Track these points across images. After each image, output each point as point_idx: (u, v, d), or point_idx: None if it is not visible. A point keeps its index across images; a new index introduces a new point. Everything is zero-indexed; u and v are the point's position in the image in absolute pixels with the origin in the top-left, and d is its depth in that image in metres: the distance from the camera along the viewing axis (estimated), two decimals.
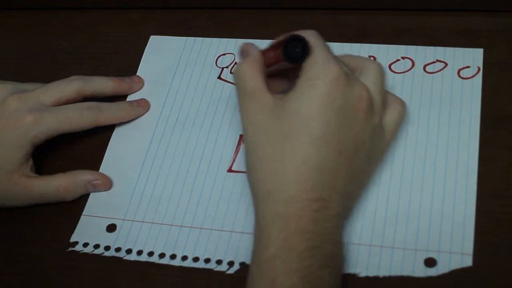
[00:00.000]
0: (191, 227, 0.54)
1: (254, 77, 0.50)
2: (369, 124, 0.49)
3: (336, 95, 0.48)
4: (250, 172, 0.50)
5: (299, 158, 0.47)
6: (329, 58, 0.49)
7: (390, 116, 0.52)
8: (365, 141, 0.49)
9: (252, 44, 0.53)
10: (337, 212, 0.48)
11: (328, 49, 0.50)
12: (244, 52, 0.53)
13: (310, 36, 0.50)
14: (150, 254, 0.54)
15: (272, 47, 0.52)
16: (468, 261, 0.49)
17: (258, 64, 0.51)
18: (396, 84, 0.58)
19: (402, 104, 0.53)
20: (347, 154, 0.48)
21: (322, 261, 0.46)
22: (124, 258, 0.54)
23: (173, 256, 0.53)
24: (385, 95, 0.52)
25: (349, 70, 0.50)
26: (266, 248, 0.46)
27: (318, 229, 0.46)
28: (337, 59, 0.49)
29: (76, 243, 0.55)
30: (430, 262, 0.49)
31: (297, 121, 0.48)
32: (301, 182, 0.47)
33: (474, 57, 0.59)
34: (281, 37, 0.52)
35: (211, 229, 0.54)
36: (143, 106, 0.62)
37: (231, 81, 0.62)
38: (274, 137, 0.48)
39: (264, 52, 0.52)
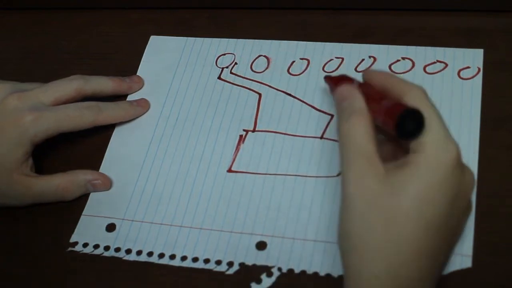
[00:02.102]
0: (191, 227, 0.54)
1: (366, 137, 0.45)
2: (469, 211, 0.47)
3: (455, 181, 0.44)
4: (351, 245, 0.44)
5: (415, 243, 0.43)
6: (447, 134, 0.44)
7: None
8: (461, 226, 0.47)
9: (354, 91, 0.47)
10: None
11: (443, 121, 0.45)
12: (344, 99, 0.47)
13: (423, 105, 0.45)
14: (150, 254, 0.54)
15: (378, 111, 0.45)
16: (467, 262, 0.49)
17: (370, 122, 0.45)
18: None
19: None
20: (449, 241, 0.46)
21: None
22: (124, 258, 0.54)
23: (172, 256, 0.53)
24: None
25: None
26: None
27: None
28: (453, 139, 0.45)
29: (76, 243, 0.55)
30: None
31: (416, 204, 0.43)
32: (414, 269, 0.43)
33: (474, 57, 0.58)
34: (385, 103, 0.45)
35: (210, 229, 0.54)
36: (143, 106, 0.62)
37: (231, 81, 0.62)
38: (387, 214, 0.43)
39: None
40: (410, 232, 0.43)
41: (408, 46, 0.60)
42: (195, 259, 0.53)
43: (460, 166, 0.44)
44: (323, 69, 0.61)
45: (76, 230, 0.56)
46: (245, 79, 0.62)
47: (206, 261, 0.53)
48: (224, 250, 0.53)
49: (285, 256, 0.52)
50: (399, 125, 0.43)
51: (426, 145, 0.44)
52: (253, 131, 0.59)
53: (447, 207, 0.44)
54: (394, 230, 0.43)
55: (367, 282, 0.43)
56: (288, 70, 0.62)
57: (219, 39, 0.65)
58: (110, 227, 0.56)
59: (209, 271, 0.52)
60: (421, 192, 0.43)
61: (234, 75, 0.62)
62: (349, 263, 0.44)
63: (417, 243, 0.43)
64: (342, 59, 0.61)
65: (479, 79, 0.57)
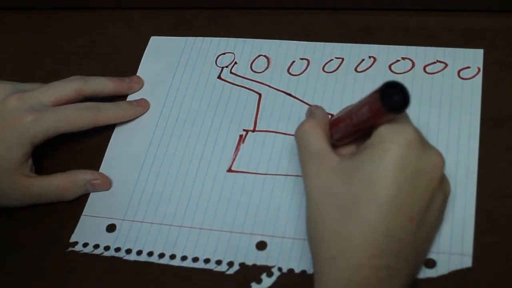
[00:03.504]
0: (191, 227, 0.54)
1: (318, 138, 0.48)
2: (442, 192, 0.47)
3: (410, 160, 0.45)
4: (313, 236, 0.47)
5: (367, 223, 0.44)
6: (405, 120, 0.46)
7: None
8: (436, 209, 0.47)
9: (319, 106, 0.52)
10: (404, 282, 0.46)
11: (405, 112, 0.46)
12: (310, 113, 0.51)
13: None
14: (150, 254, 0.54)
15: (361, 104, 0.47)
16: (467, 262, 0.49)
17: (323, 125, 0.49)
18: None
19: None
20: (417, 222, 0.45)
21: None
22: (124, 258, 0.54)
23: (172, 256, 0.53)
24: None
25: (423, 136, 0.47)
26: None
27: None
28: (412, 123, 0.47)
29: (76, 243, 0.55)
30: (429, 263, 0.49)
31: (367, 186, 0.45)
32: (368, 249, 0.44)
33: (474, 57, 0.58)
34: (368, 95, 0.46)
35: (210, 229, 0.54)
36: (143, 106, 0.62)
37: (231, 80, 0.62)
38: (340, 201, 0.46)
39: (350, 112, 0.48)
40: (362, 214, 0.45)
41: (408, 46, 0.60)
42: (195, 259, 0.53)
43: (419, 147, 0.45)
44: (323, 69, 0.61)
45: (76, 230, 0.56)
46: (245, 79, 0.62)
47: (206, 261, 0.53)
48: (224, 250, 0.53)
49: (285, 256, 0.52)
50: (383, 96, 0.44)
51: (380, 129, 0.46)
52: (253, 131, 0.59)
53: (404, 186, 0.45)
54: (348, 214, 0.45)
55: (325, 263, 0.46)
56: (288, 70, 0.62)
57: (219, 38, 0.65)
58: (111, 228, 0.56)
59: (210, 271, 0.52)
60: (372, 173, 0.45)
61: (234, 75, 0.62)
62: (312, 249, 0.47)
63: (370, 223, 0.44)
64: (342, 59, 0.61)
65: (479, 79, 0.57)
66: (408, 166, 0.45)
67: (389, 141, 0.45)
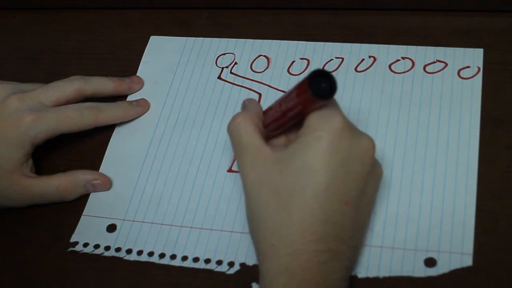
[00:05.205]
0: (191, 227, 0.54)
1: (250, 131, 0.49)
2: (374, 175, 0.49)
3: (342, 146, 0.46)
4: (253, 226, 0.48)
5: (305, 211, 0.46)
6: (334, 108, 0.47)
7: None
8: (370, 192, 0.49)
9: (252, 99, 0.53)
10: (345, 265, 0.47)
11: (333, 99, 0.48)
12: (244, 107, 0.52)
13: None
14: (150, 254, 0.54)
15: (291, 92, 0.48)
16: (468, 261, 0.49)
17: (255, 118, 0.50)
18: (396, 84, 0.58)
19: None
20: (353, 205, 0.47)
21: None
22: (124, 258, 0.54)
23: (173, 256, 0.53)
24: None
25: (351, 123, 0.48)
26: None
27: (325, 282, 0.45)
28: (341, 111, 0.48)
29: (76, 243, 0.55)
30: (430, 262, 0.49)
31: (302, 174, 0.46)
32: (307, 235, 0.45)
33: (474, 57, 0.59)
34: (296, 84, 0.48)
35: (211, 229, 0.54)
36: (143, 106, 0.62)
37: (231, 81, 0.62)
38: (277, 190, 0.47)
39: (280, 102, 0.50)
40: (299, 202, 0.46)
41: (408, 46, 0.60)
42: (196, 259, 0.53)
43: (349, 132, 0.47)
44: (323, 68, 0.61)
45: (76, 230, 0.56)
46: (245, 79, 0.62)
47: (207, 261, 0.53)
48: (224, 250, 0.53)
49: None
50: (311, 83, 0.46)
51: (310, 119, 0.47)
52: None
53: (338, 172, 0.46)
54: (285, 203, 0.46)
55: (266, 252, 0.47)
56: (288, 70, 0.62)
57: (219, 39, 0.65)
58: (111, 228, 0.56)
59: (210, 271, 0.52)
60: (306, 161, 0.46)
61: (234, 75, 0.62)
62: (254, 241, 0.48)
63: (307, 210, 0.46)
64: (342, 59, 0.61)
65: (479, 78, 0.57)
66: (340, 152, 0.46)
67: (320, 129, 0.46)
